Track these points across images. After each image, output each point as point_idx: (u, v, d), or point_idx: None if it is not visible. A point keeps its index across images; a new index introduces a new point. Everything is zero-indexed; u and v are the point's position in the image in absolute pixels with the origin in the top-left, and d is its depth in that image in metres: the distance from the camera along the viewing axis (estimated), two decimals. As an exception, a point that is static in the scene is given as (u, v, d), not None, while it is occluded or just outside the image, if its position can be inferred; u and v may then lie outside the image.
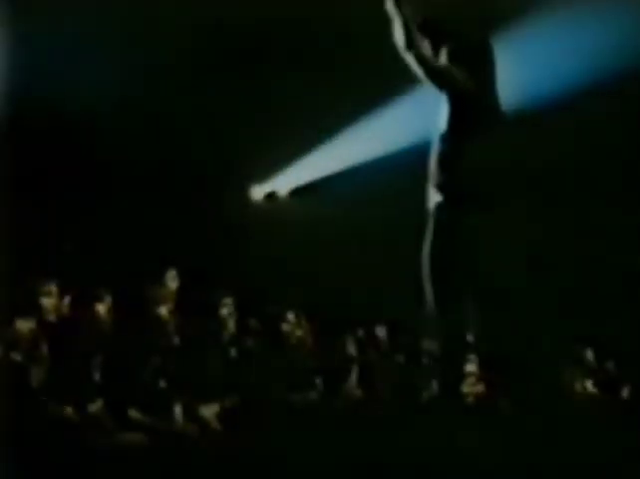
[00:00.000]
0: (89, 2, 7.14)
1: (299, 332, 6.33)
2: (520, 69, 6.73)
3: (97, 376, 5.48)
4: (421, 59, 5.13)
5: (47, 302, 6.08)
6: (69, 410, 5.07)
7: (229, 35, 7.44)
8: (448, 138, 5.18)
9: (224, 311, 6.39)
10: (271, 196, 7.96)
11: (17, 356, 5.56)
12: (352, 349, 6.07)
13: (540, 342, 6.37)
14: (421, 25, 5.19)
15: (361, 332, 6.17)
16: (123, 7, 7.21)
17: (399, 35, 5.21)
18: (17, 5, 6.98)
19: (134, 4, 7.24)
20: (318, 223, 7.53)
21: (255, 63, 7.48)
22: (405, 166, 5.69)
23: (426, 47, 5.17)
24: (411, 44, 5.13)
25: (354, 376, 5.54)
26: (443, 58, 5.24)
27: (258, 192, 7.98)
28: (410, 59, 5.18)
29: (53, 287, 6.12)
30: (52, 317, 6.03)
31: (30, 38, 7.04)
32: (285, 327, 6.38)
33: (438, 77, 5.15)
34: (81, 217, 7.25)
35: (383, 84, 6.72)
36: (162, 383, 5.69)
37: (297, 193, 7.92)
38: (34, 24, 7.01)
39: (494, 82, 5.25)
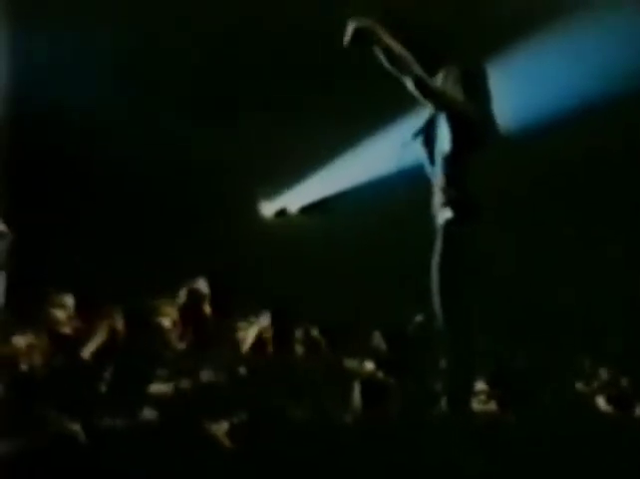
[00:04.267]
0: (89, 16, 7.18)
1: (307, 348, 6.33)
2: (521, 87, 6.76)
3: (105, 390, 5.48)
4: (418, 82, 5.15)
5: (60, 315, 6.04)
6: (76, 425, 5.07)
7: (237, 51, 7.48)
8: (451, 155, 5.19)
9: (234, 328, 6.40)
10: (282, 212, 7.98)
11: (25, 368, 5.56)
12: (359, 365, 6.07)
13: (552, 358, 6.34)
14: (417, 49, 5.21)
15: (369, 348, 6.18)
16: (124, 21, 7.25)
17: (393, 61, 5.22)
18: (17, 19, 7.02)
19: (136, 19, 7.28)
20: (329, 239, 7.55)
21: (264, 81, 7.52)
22: (414, 182, 5.68)
23: (420, 70, 5.17)
24: (405, 69, 5.14)
25: (358, 392, 5.53)
26: (440, 80, 5.27)
27: (269, 209, 8.00)
28: (409, 82, 5.20)
29: (68, 299, 6.10)
30: (66, 330, 6.00)
31: (30, 52, 7.08)
32: (294, 343, 6.38)
33: (436, 98, 5.17)
34: (91, 229, 7.28)
35: (393, 101, 6.74)
36: (170, 400, 5.69)
37: (308, 209, 7.93)
38: (34, 41, 7.06)
39: (492, 101, 5.27)
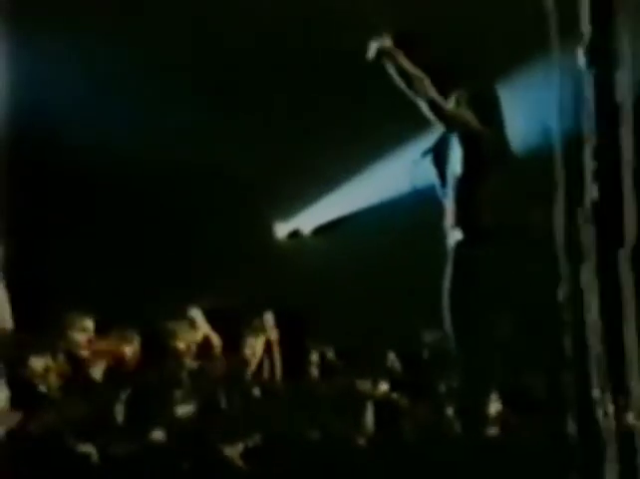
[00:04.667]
0: (87, 31, 7.21)
1: (321, 369, 6.34)
2: (534, 109, 6.77)
3: (121, 414, 5.50)
4: (432, 105, 5.20)
5: (79, 337, 6.06)
6: (92, 449, 5.09)
7: (254, 69, 7.51)
8: (463, 177, 5.22)
9: (247, 349, 6.42)
10: (295, 234, 8.00)
11: (44, 390, 5.58)
12: (372, 386, 6.07)
13: (567, 378, 6.31)
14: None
15: (383, 369, 6.18)
16: (126, 34, 7.28)
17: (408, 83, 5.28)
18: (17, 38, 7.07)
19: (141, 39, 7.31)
20: (341, 260, 7.56)
21: (279, 104, 7.56)
22: (427, 203, 5.71)
23: (435, 92, 5.23)
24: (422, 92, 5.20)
25: (371, 414, 5.54)
26: (453, 102, 5.31)
27: (282, 230, 8.03)
28: (423, 104, 5.26)
29: (89, 323, 6.12)
30: (84, 353, 6.03)
31: (30, 71, 7.12)
32: (308, 364, 6.39)
33: (449, 121, 5.22)
34: (107, 253, 7.31)
35: (407, 123, 6.76)
36: (187, 422, 5.71)
37: (321, 231, 7.95)
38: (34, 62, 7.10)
39: (505, 123, 5.30)
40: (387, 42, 5.35)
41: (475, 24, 7.16)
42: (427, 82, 5.29)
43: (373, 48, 5.34)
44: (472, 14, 7.14)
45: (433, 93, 5.25)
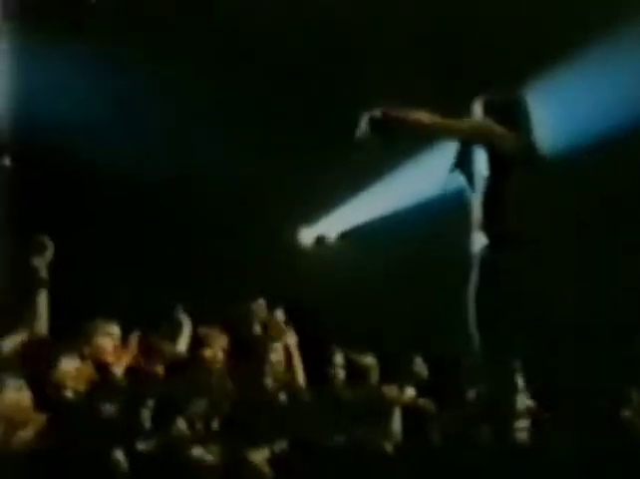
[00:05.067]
0: (88, 42, 7.21)
1: (348, 375, 6.32)
2: (564, 112, 6.74)
3: (147, 419, 5.51)
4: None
5: (106, 343, 6.08)
6: (118, 452, 5.11)
7: (272, 76, 7.51)
8: (488, 181, 5.17)
9: (274, 356, 6.41)
10: (320, 240, 8.00)
11: (70, 395, 5.59)
12: (399, 392, 6.05)
13: (596, 383, 6.27)
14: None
15: (410, 374, 6.16)
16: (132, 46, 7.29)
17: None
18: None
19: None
20: (367, 266, 7.54)
21: (303, 108, 7.55)
22: (454, 208, 5.68)
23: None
24: None
25: (398, 419, 5.52)
26: (478, 109, 5.25)
27: (307, 236, 8.03)
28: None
29: (115, 329, 6.13)
30: (110, 359, 6.04)
31: (34, 81, 7.13)
32: (332, 369, 6.38)
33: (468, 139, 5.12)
34: (133, 259, 7.33)
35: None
36: (213, 426, 5.71)
37: (346, 236, 7.95)
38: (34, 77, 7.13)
39: (533, 127, 5.24)
40: (379, 111, 4.64)
41: (505, 25, 7.14)
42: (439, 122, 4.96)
43: (365, 121, 4.64)
44: (503, 14, 7.13)
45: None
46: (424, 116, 4.72)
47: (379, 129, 4.57)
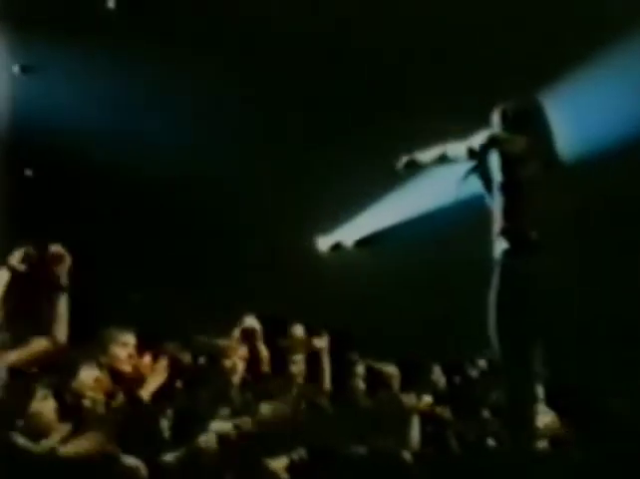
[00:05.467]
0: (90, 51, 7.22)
1: (367, 383, 6.30)
2: (582, 117, 6.72)
3: (167, 428, 5.49)
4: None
5: (121, 353, 6.06)
6: (138, 462, 5.08)
7: (290, 84, 7.51)
8: (503, 186, 5.17)
9: (293, 365, 6.40)
10: (337, 247, 7.98)
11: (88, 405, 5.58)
12: (417, 400, 6.02)
13: (618, 390, 6.23)
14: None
15: (427, 382, 6.13)
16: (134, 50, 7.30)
17: None
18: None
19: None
20: (384, 273, 7.53)
21: (320, 118, 7.55)
22: (472, 214, 5.67)
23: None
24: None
25: (417, 427, 5.49)
26: (496, 117, 5.27)
27: (324, 243, 8.01)
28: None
29: (131, 338, 6.11)
30: (126, 368, 6.02)
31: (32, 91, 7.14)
32: (353, 377, 6.36)
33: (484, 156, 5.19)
34: (149, 267, 7.34)
35: (449, 135, 6.73)
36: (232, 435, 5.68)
37: (363, 243, 7.93)
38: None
39: (549, 135, 5.24)
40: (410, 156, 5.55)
41: (521, 31, 7.13)
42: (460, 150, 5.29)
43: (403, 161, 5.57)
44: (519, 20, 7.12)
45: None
46: (450, 149, 5.32)
47: (409, 167, 5.63)
